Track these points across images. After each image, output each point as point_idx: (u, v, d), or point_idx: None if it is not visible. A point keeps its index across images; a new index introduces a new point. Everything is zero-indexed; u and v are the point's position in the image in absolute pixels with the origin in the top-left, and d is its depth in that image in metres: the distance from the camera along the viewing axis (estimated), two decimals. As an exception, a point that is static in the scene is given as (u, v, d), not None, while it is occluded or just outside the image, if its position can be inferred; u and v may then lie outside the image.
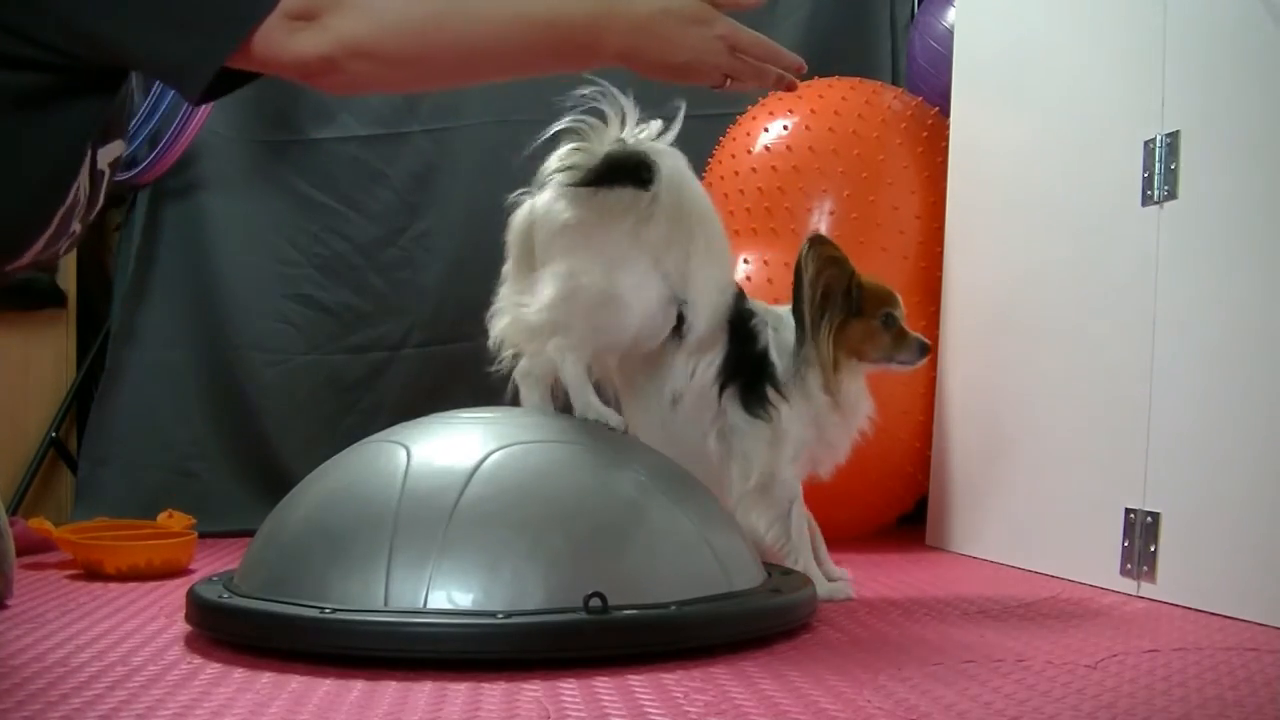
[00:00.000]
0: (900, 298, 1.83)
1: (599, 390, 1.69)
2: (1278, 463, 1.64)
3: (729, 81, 1.41)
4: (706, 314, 1.71)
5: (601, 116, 1.63)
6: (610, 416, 1.64)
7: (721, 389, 1.76)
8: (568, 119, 1.62)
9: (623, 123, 1.64)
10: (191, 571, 2.06)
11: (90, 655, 1.38)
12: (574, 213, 1.62)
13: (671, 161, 1.66)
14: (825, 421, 1.78)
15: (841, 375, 1.77)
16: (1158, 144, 1.87)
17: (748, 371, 1.76)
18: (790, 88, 1.46)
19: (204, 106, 2.56)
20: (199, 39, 1.24)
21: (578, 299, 1.62)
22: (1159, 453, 1.85)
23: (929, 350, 1.84)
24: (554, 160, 1.64)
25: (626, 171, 1.62)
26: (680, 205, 1.66)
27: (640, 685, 1.26)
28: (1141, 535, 1.86)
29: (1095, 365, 2.03)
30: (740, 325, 1.77)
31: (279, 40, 1.23)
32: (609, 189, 1.62)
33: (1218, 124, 1.79)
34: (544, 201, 1.64)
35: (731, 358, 1.76)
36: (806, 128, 2.55)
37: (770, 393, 1.76)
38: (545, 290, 1.63)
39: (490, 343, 1.71)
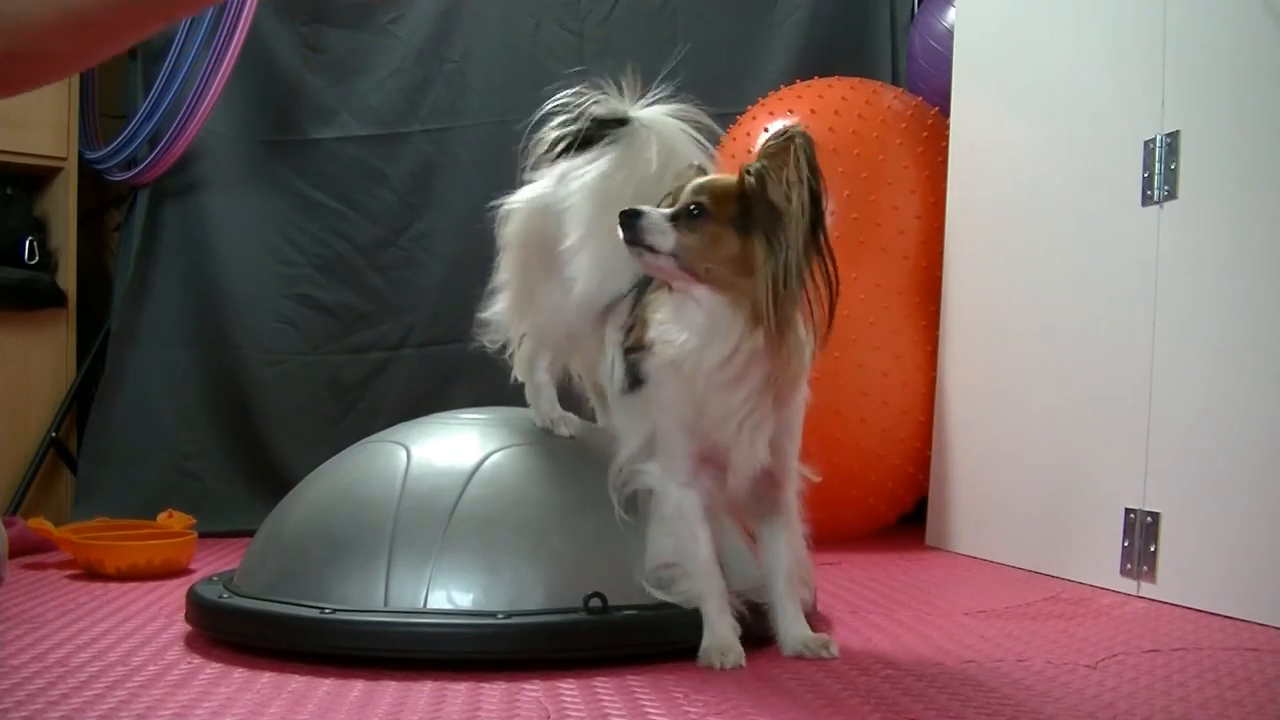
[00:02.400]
0: (684, 186, 1.43)
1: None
2: (1278, 463, 1.64)
3: None
4: (586, 269, 1.43)
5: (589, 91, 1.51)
6: (558, 424, 1.56)
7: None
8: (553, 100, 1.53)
9: (617, 96, 1.51)
10: (191, 571, 2.06)
11: (90, 655, 1.38)
12: (539, 197, 1.53)
13: (651, 116, 1.49)
14: (688, 378, 1.30)
15: (651, 308, 1.36)
16: (1158, 144, 1.87)
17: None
18: None
19: (204, 105, 2.55)
20: None
21: (514, 308, 1.58)
22: (1159, 453, 1.85)
23: (625, 220, 1.32)
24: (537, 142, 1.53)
25: (602, 132, 1.48)
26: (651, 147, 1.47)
27: (640, 685, 1.26)
28: (1141, 535, 1.86)
29: (1095, 365, 2.03)
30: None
31: None
32: (587, 154, 1.48)
33: (1218, 124, 1.79)
34: (521, 193, 1.57)
35: (631, 320, 1.42)
36: (806, 128, 2.54)
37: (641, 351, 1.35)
38: (497, 300, 1.61)
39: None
